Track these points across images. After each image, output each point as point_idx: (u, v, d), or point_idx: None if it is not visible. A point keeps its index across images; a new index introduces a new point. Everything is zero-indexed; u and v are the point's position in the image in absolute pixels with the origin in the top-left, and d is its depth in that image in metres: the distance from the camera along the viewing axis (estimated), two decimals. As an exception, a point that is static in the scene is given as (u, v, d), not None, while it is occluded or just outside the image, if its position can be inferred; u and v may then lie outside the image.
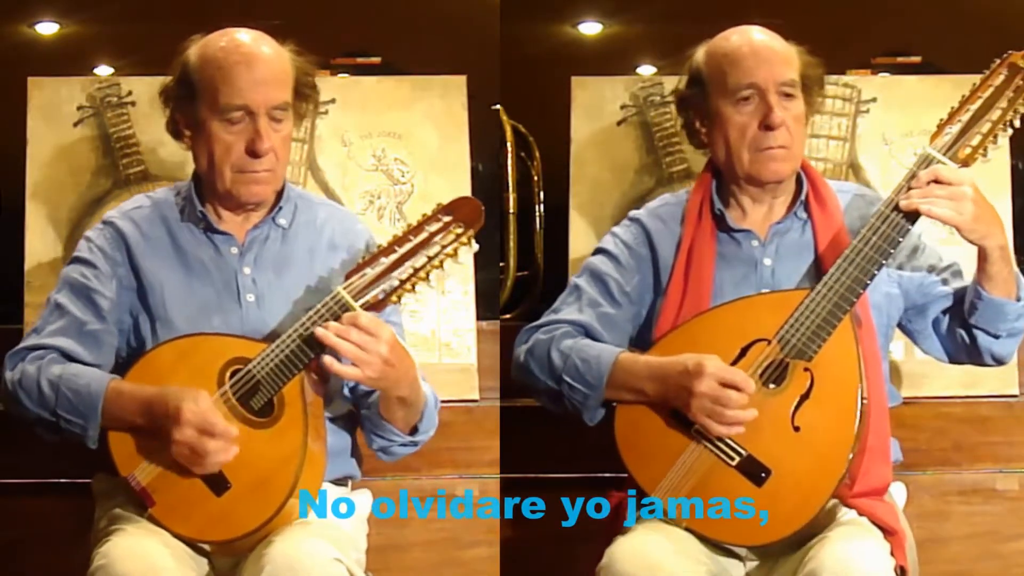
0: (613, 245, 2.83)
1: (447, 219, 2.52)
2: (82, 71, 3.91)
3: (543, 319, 2.79)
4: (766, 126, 2.67)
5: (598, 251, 2.85)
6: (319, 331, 2.49)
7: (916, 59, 3.85)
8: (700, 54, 2.76)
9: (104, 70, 4.18)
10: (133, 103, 3.40)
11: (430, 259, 2.52)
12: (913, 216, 2.54)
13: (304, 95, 2.69)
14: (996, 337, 2.67)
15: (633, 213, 2.88)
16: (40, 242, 3.35)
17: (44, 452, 2.95)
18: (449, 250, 2.52)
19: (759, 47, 2.70)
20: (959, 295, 2.71)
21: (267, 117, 2.60)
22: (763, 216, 2.77)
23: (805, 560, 2.46)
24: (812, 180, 2.77)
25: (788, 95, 2.68)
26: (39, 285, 3.29)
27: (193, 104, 2.63)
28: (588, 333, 2.75)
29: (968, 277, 2.69)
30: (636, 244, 2.81)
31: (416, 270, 2.52)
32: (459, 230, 2.52)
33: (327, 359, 2.50)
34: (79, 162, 3.39)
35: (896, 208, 2.55)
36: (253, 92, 2.59)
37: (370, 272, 2.53)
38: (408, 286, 2.52)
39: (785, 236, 2.75)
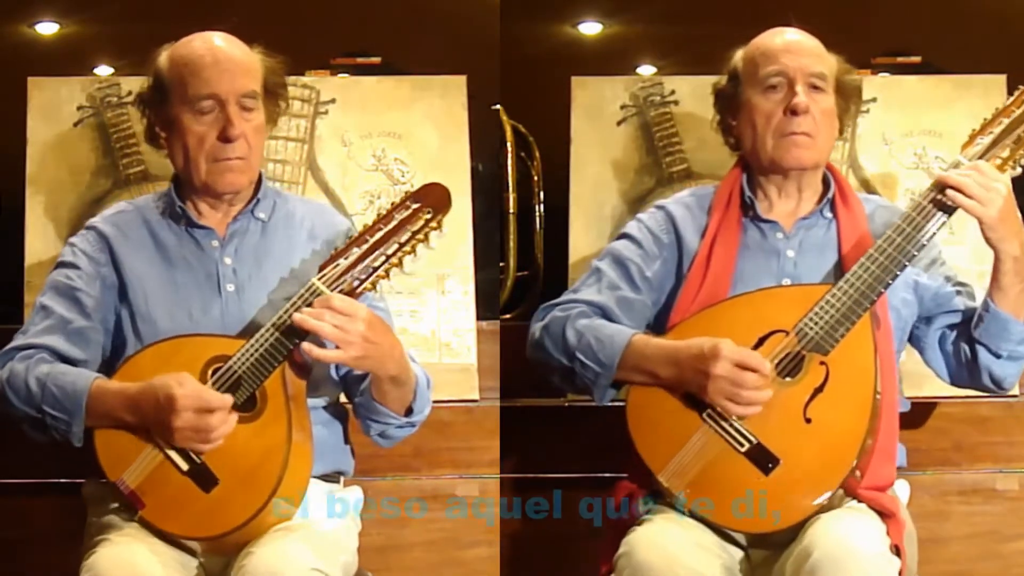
0: (637, 230, 2.85)
1: (416, 206, 2.55)
2: (82, 71, 3.91)
3: (562, 298, 2.82)
4: (791, 111, 2.71)
5: (622, 235, 2.88)
6: (297, 317, 2.51)
7: (916, 59, 3.84)
8: (738, 54, 2.82)
9: (104, 70, 4.17)
10: (133, 103, 3.39)
11: (401, 245, 2.54)
12: (938, 220, 2.56)
13: (275, 94, 2.74)
14: (997, 356, 2.68)
15: (659, 201, 2.91)
16: (40, 242, 3.34)
17: (43, 452, 2.95)
18: (420, 235, 2.54)
19: (791, 42, 2.77)
20: (968, 314, 2.72)
21: (237, 105, 2.65)
22: (790, 211, 2.80)
23: (799, 539, 2.47)
24: (839, 183, 2.81)
25: (817, 87, 2.73)
26: (39, 285, 3.25)
27: (166, 104, 2.69)
28: (605, 315, 2.76)
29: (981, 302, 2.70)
30: (660, 230, 2.84)
31: (388, 257, 2.54)
32: (428, 215, 2.54)
33: (306, 346, 2.51)
34: (79, 162, 3.39)
35: (921, 212, 2.56)
36: (220, 81, 2.65)
37: (343, 262, 2.55)
38: (382, 272, 2.55)
39: (810, 231, 2.78)
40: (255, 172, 2.75)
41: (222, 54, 2.67)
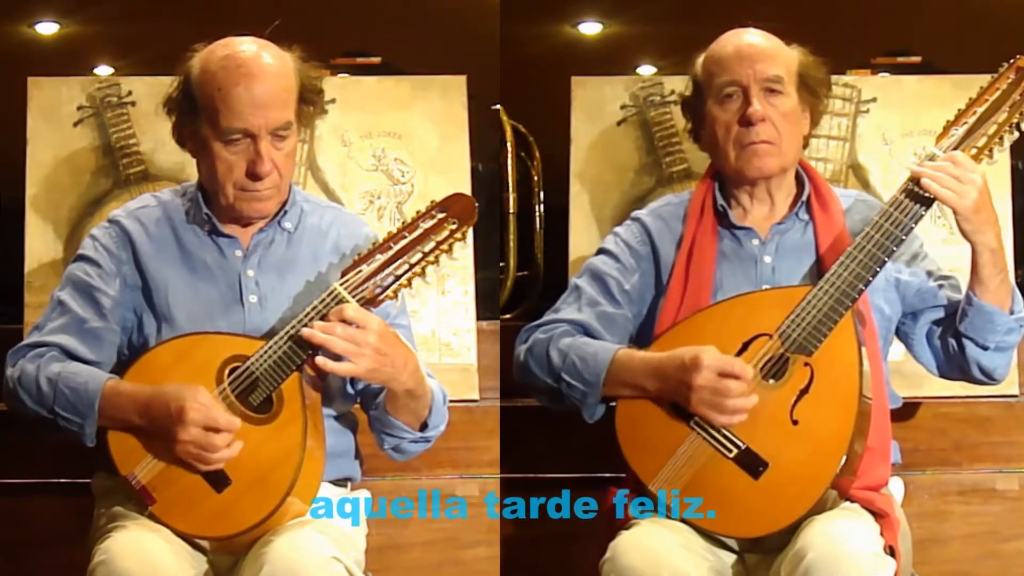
0: (614, 244, 2.84)
1: (441, 215, 2.54)
2: (82, 71, 3.92)
3: (543, 319, 2.80)
4: (746, 121, 2.69)
5: (599, 251, 2.86)
6: (305, 331, 2.50)
7: (916, 59, 3.85)
8: (699, 60, 2.79)
9: (104, 70, 4.18)
10: (133, 103, 3.40)
11: (425, 255, 2.54)
12: (916, 215, 2.55)
13: (309, 100, 2.67)
14: (984, 349, 2.67)
15: (635, 213, 2.89)
16: (40, 242, 3.34)
17: (44, 452, 2.96)
18: (444, 246, 2.54)
19: (743, 46, 2.73)
20: (953, 308, 2.71)
21: (269, 138, 2.59)
22: (764, 216, 2.78)
23: (794, 541, 2.47)
24: (814, 182, 2.79)
25: (773, 91, 2.70)
26: (39, 285, 3.29)
27: (195, 119, 2.62)
28: (587, 332, 2.75)
29: None
30: (637, 243, 2.82)
31: (411, 266, 2.54)
32: (453, 226, 2.54)
33: (320, 359, 2.50)
34: (79, 162, 3.39)
35: (898, 207, 2.56)
36: (253, 116, 2.57)
37: (366, 268, 2.54)
38: (404, 281, 2.54)
39: (786, 235, 2.76)
40: (284, 194, 2.69)
41: (255, 80, 2.57)
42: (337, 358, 2.51)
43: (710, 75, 2.74)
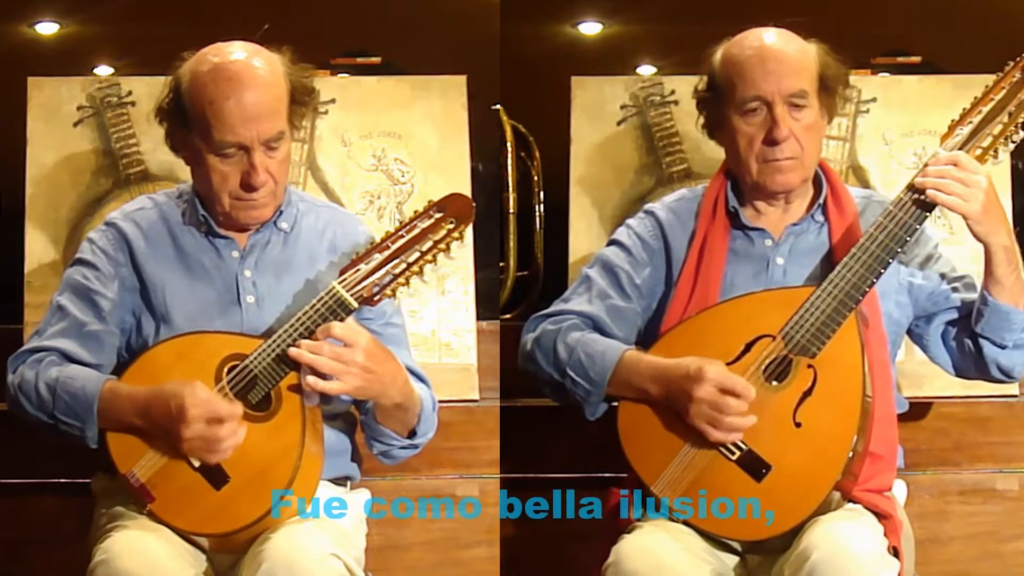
0: (626, 237, 2.82)
1: (439, 215, 2.56)
2: (82, 71, 3.91)
3: (552, 308, 2.79)
4: (771, 141, 2.65)
5: (611, 242, 2.85)
6: (293, 351, 2.51)
7: (916, 59, 3.84)
8: (717, 56, 2.73)
9: (104, 70, 4.18)
10: (133, 103, 3.40)
11: (423, 254, 2.55)
12: (920, 216, 2.54)
13: (301, 102, 2.67)
14: (1002, 348, 2.65)
15: (648, 206, 2.87)
16: (40, 242, 3.35)
17: (44, 452, 2.96)
18: (442, 245, 2.55)
19: (768, 57, 2.67)
20: (967, 308, 2.69)
21: (262, 148, 2.59)
22: (778, 217, 2.76)
23: (797, 542, 2.47)
24: (832, 184, 2.76)
25: (797, 105, 2.66)
26: (39, 285, 3.29)
27: (187, 131, 2.62)
28: (596, 325, 2.74)
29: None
30: (649, 237, 2.81)
31: (409, 264, 2.55)
32: (450, 225, 2.56)
33: (309, 379, 2.51)
34: (79, 162, 3.39)
35: (903, 206, 2.55)
36: (246, 129, 2.56)
37: (364, 267, 2.55)
38: (402, 280, 2.55)
39: (800, 237, 2.74)
40: (280, 199, 2.70)
41: (246, 92, 2.56)
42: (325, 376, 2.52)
43: (732, 84, 2.68)
